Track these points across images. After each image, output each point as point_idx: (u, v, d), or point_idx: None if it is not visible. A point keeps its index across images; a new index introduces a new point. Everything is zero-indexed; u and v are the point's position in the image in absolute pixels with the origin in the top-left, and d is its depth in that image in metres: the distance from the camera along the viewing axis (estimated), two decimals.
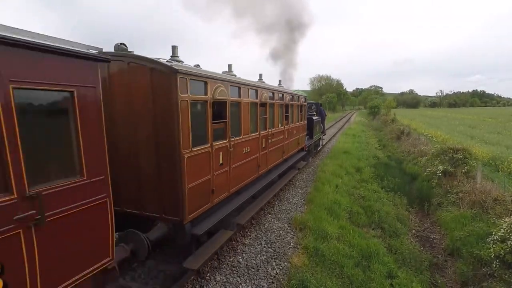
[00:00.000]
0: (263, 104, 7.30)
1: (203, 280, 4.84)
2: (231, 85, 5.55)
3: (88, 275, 2.93)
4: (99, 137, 3.01)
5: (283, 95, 9.02)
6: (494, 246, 6.10)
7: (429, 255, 7.36)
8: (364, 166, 13.89)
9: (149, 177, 4.30)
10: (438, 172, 11.05)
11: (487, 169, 12.75)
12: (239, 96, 5.99)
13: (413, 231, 8.79)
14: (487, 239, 6.46)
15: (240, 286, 4.80)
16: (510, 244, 5.84)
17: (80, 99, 2.77)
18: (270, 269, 5.34)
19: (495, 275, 5.75)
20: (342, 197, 9.11)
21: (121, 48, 4.08)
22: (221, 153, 5.24)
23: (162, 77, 4.01)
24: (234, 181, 5.82)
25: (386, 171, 13.44)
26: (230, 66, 6.50)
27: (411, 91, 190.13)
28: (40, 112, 2.68)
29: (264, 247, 6.04)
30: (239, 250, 5.85)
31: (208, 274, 5.00)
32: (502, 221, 6.65)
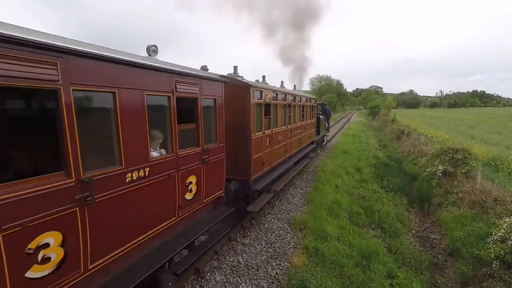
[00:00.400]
0: (289, 105, 9.62)
1: (203, 280, 4.84)
2: (273, 92, 8.00)
3: (216, 197, 5.41)
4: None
5: (300, 98, 11.29)
6: (494, 246, 6.10)
7: (429, 255, 7.35)
8: (364, 166, 13.89)
9: (228, 151, 5.96)
10: (438, 172, 11.05)
11: (487, 169, 12.75)
12: (276, 100, 8.38)
13: (413, 231, 8.79)
14: (487, 239, 6.46)
15: (240, 286, 4.80)
16: (510, 244, 5.84)
17: (219, 102, 5.31)
18: (270, 269, 5.34)
19: (495, 275, 5.75)
20: (342, 197, 9.11)
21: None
22: (268, 138, 7.66)
23: (241, 89, 6.45)
24: (274, 159, 8.30)
25: (386, 171, 13.44)
26: (264, 77, 8.58)
27: (411, 91, 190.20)
28: (196, 109, 4.70)
29: (264, 247, 6.04)
30: (239, 250, 5.85)
31: (208, 274, 5.00)
32: (502, 221, 6.65)
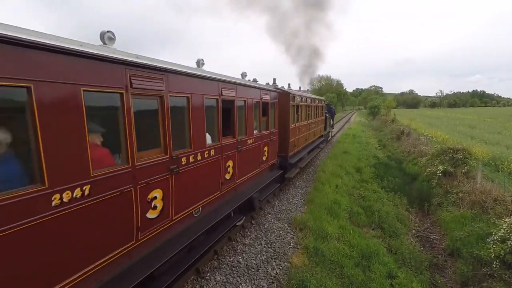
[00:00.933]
0: (308, 106, 12.54)
1: (203, 280, 4.84)
2: (299, 96, 10.91)
3: (273, 163, 8.24)
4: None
5: (315, 100, 14.26)
6: (494, 246, 6.10)
7: (429, 255, 7.35)
8: (364, 166, 13.89)
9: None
10: (438, 172, 11.05)
11: (487, 169, 12.75)
12: (301, 102, 11.17)
13: (413, 231, 8.78)
14: (487, 239, 6.46)
15: (240, 286, 4.80)
16: (510, 244, 5.84)
17: (276, 103, 8.57)
18: (270, 269, 5.34)
19: (495, 275, 5.75)
20: (342, 197, 9.11)
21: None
22: (297, 128, 10.49)
23: (284, 95, 9.22)
24: (300, 144, 11.11)
25: (386, 171, 13.44)
26: (289, 84, 11.77)
27: (411, 91, 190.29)
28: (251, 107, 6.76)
29: (264, 247, 6.04)
30: (239, 250, 5.85)
31: (208, 274, 5.00)
32: (502, 221, 6.65)
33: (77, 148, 2.70)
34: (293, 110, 9.80)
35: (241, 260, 5.49)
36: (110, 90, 3.06)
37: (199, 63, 4.98)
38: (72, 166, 2.66)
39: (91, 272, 2.90)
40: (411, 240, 8.04)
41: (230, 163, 5.72)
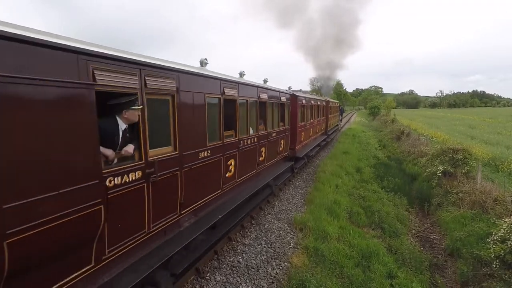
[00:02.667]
0: (319, 107, 15.96)
1: (203, 280, 4.84)
2: (308, 97, 13.67)
3: (285, 155, 9.80)
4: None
5: (328, 102, 19.83)
6: (494, 246, 6.09)
7: (429, 255, 7.36)
8: (364, 166, 13.89)
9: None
10: (438, 172, 11.05)
11: (487, 170, 12.76)
12: (309, 102, 13.29)
13: (413, 231, 8.79)
14: (487, 239, 6.45)
15: (240, 286, 4.80)
16: (510, 244, 5.83)
17: (289, 104, 10.06)
18: (270, 269, 5.34)
19: (495, 275, 5.75)
20: (342, 197, 9.11)
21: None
22: (305, 127, 12.22)
23: (294, 98, 10.51)
24: (305, 139, 12.69)
25: (386, 172, 13.44)
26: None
27: (411, 92, 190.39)
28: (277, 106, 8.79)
29: (264, 247, 6.04)
30: (239, 250, 5.85)
31: (208, 274, 5.00)
32: (502, 221, 6.65)
33: (202, 128, 4.67)
34: (300, 110, 11.36)
35: (241, 260, 5.49)
36: (215, 96, 5.08)
37: (241, 74, 6.59)
38: (199, 138, 4.62)
39: (207, 200, 5.01)
40: (411, 240, 8.04)
41: (262, 149, 7.43)
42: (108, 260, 3.04)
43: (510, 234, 6.02)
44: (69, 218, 2.49)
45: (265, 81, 7.96)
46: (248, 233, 6.59)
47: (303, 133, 11.75)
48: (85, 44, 2.65)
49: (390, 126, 31.80)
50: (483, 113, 64.53)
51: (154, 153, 3.57)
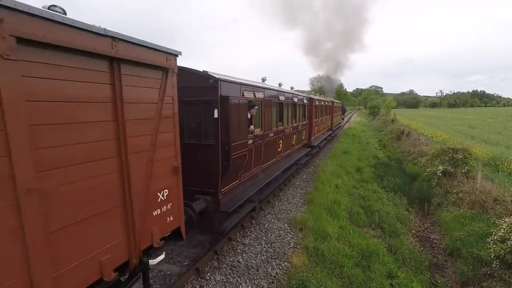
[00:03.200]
0: (326, 106, 18.27)
1: (203, 280, 4.84)
2: (319, 99, 15.47)
3: (305, 142, 12.95)
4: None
5: (333, 103, 22.12)
6: (494, 246, 6.09)
7: (429, 255, 7.35)
8: (364, 166, 13.89)
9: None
10: (438, 172, 11.04)
11: (487, 169, 12.76)
12: (320, 103, 15.37)
13: (413, 231, 8.78)
14: (487, 239, 6.45)
15: (240, 286, 4.80)
16: (510, 244, 5.83)
17: (309, 105, 12.93)
18: (270, 269, 5.34)
19: (495, 275, 5.75)
20: (342, 197, 9.11)
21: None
22: (317, 123, 14.56)
23: (311, 100, 13.28)
24: (317, 132, 15.10)
25: (386, 171, 13.43)
26: (292, 87, 12.50)
27: (411, 91, 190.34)
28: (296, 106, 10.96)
29: (264, 247, 6.04)
30: (239, 250, 5.85)
31: (208, 274, 5.00)
32: (502, 221, 6.64)
33: (271, 120, 7.67)
34: (314, 110, 13.93)
35: (241, 260, 5.49)
36: (276, 101, 8.16)
37: (280, 84, 10.09)
38: (270, 125, 7.60)
39: (270, 164, 7.89)
40: (411, 240, 8.04)
41: (294, 136, 10.44)
42: (242, 180, 6.32)
43: (510, 234, 6.02)
44: (241, 155, 5.60)
45: (292, 88, 11.59)
46: (248, 233, 6.59)
47: (316, 128, 14.64)
48: (238, 79, 6.03)
49: (390, 126, 31.80)
50: (483, 113, 64.49)
51: (256, 131, 6.77)
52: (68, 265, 2.41)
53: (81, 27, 2.40)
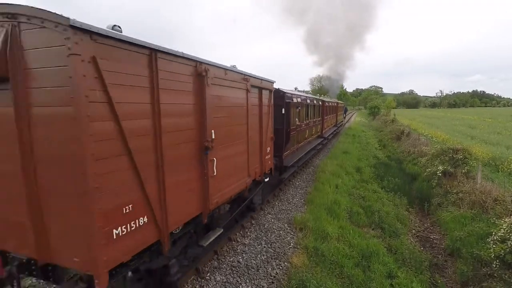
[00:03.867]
0: (332, 107, 21.94)
1: (203, 280, 4.84)
2: (328, 100, 20.33)
3: (319, 134, 16.89)
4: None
5: (337, 103, 26.75)
6: (494, 246, 6.09)
7: (429, 255, 7.36)
8: (364, 166, 13.89)
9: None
10: (438, 172, 11.04)
11: (487, 169, 12.75)
12: (329, 104, 19.99)
13: (413, 231, 8.79)
14: (487, 239, 6.45)
15: (240, 286, 4.80)
16: (510, 244, 5.84)
17: (323, 106, 17.39)
18: (270, 269, 5.34)
19: (495, 275, 5.75)
20: (342, 197, 9.11)
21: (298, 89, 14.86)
22: (326, 119, 18.67)
23: (323, 103, 17.14)
24: (327, 126, 19.71)
25: (386, 171, 13.44)
26: (296, 88, 14.41)
27: (411, 92, 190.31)
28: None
29: (264, 247, 6.04)
30: (239, 250, 5.85)
31: (208, 274, 5.00)
32: (502, 221, 6.65)
33: (304, 116, 11.83)
34: (325, 110, 17.42)
35: (241, 260, 5.50)
36: (306, 103, 11.87)
37: (307, 92, 22.48)
38: (302, 119, 11.62)
39: (302, 144, 11.88)
40: (411, 240, 8.04)
41: (313, 129, 14.05)
42: (291, 151, 9.82)
43: (510, 234, 6.02)
44: (292, 134, 9.78)
45: (295, 88, 13.57)
46: (248, 233, 6.59)
47: (326, 123, 18.29)
48: (291, 91, 10.12)
49: (390, 126, 31.81)
50: (483, 113, 64.48)
51: (298, 123, 10.22)
52: (232, 183, 5.36)
53: (238, 71, 5.40)
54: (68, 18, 2.38)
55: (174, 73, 3.58)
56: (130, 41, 2.90)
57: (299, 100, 10.38)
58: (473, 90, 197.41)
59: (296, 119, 10.01)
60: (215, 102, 4.50)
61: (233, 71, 5.18)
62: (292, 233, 6.84)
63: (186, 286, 4.68)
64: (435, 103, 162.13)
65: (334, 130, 24.08)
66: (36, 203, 2.83)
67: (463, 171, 10.67)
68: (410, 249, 7.08)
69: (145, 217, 3.22)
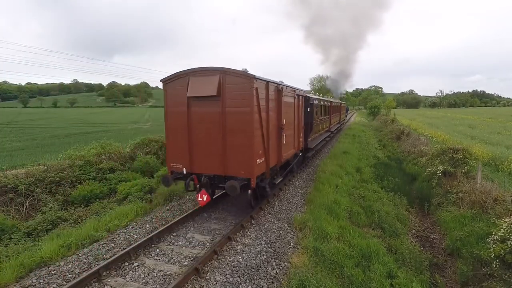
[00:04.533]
0: (336, 106, 25.69)
1: (203, 280, 4.84)
2: (338, 102, 29.74)
3: (336, 124, 26.56)
4: (335, 111, 25.68)
5: (341, 104, 31.47)
6: (494, 246, 6.09)
7: (429, 255, 7.35)
8: (364, 166, 13.89)
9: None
10: (438, 172, 11.04)
11: (487, 169, 12.74)
12: (335, 104, 24.43)
13: (413, 231, 8.79)
14: (487, 239, 6.45)
15: (240, 286, 4.80)
16: (510, 244, 5.84)
17: (340, 106, 30.48)
18: (270, 269, 5.34)
19: (495, 275, 5.75)
20: (342, 197, 9.11)
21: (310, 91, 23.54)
22: (333, 117, 22.72)
23: (331, 103, 20.63)
24: (333, 122, 22.58)
25: (386, 171, 13.44)
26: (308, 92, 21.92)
27: (411, 91, 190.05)
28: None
29: (264, 247, 6.04)
30: (239, 250, 5.85)
31: (208, 274, 5.00)
32: (502, 221, 6.64)
33: (327, 113, 18.71)
34: (332, 109, 20.60)
35: (241, 260, 5.49)
36: (319, 104, 14.90)
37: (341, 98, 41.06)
38: (325, 115, 17.90)
39: (325, 130, 18.04)
40: (411, 240, 8.04)
41: (324, 124, 17.11)
42: (309, 140, 12.13)
43: (510, 234, 6.02)
44: (314, 125, 13.33)
45: (299, 91, 15.81)
46: (248, 233, 6.59)
47: (332, 120, 21.68)
48: (314, 95, 16.45)
49: (390, 126, 31.81)
50: (483, 113, 64.44)
51: (316, 118, 13.52)
52: (289, 150, 8.99)
53: (290, 86, 8.97)
54: (254, 75, 6.18)
55: (271, 91, 7.21)
56: (265, 79, 6.78)
57: (316, 102, 13.51)
58: (473, 90, 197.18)
59: (315, 116, 13.28)
60: (284, 104, 8.01)
61: (288, 86, 8.62)
62: (292, 233, 6.84)
63: (186, 286, 4.68)
64: (435, 103, 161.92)
65: (338, 126, 28.20)
66: (224, 149, 6.53)
67: (463, 171, 10.67)
68: (410, 249, 7.08)
69: (263, 158, 6.87)
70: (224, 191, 7.72)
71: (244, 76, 6.21)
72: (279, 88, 7.69)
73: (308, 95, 12.16)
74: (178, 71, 6.85)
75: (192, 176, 6.89)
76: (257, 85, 6.26)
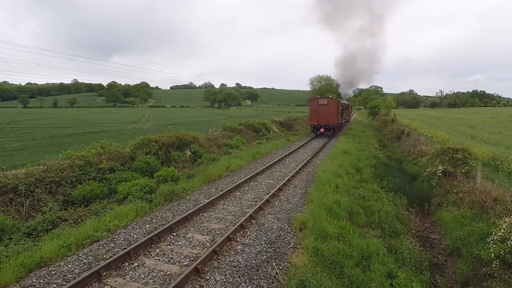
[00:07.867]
0: (346, 106, 44.70)
1: (203, 280, 4.84)
2: (347, 103, 50.25)
3: (343, 119, 42.49)
4: (345, 110, 43.46)
5: (348, 104, 53.83)
6: (494, 246, 6.10)
7: (429, 255, 7.35)
8: (364, 166, 13.88)
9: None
10: (438, 172, 11.05)
11: (487, 169, 12.73)
12: (347, 105, 46.86)
13: (413, 231, 8.79)
14: (487, 239, 6.46)
15: (240, 286, 4.80)
16: (510, 244, 5.84)
17: (348, 107, 54.13)
18: (270, 269, 5.34)
19: (495, 275, 5.75)
20: (342, 197, 9.10)
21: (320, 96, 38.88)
22: (341, 115, 34.57)
23: (345, 103, 42.71)
24: (343, 117, 39.30)
25: (386, 171, 13.43)
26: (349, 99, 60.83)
27: (411, 91, 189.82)
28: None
29: (264, 247, 6.04)
30: (239, 250, 5.85)
31: (208, 274, 5.00)
32: (502, 221, 6.65)
33: (340, 112, 32.30)
34: (344, 107, 34.36)
35: (241, 260, 5.50)
36: (344, 104, 37.08)
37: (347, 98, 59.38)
38: (338, 114, 30.38)
39: (332, 123, 29.94)
40: (411, 240, 8.03)
41: (345, 113, 39.01)
42: (339, 122, 30.08)
43: (510, 234, 6.02)
44: (342, 116, 34.67)
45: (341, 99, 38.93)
46: (248, 233, 6.59)
47: (344, 115, 33.29)
48: (342, 100, 41.28)
49: (390, 126, 31.83)
50: (483, 113, 64.34)
51: (341, 112, 32.05)
52: (339, 121, 30.63)
53: (336, 99, 29.97)
54: (339, 100, 32.85)
55: (337, 103, 27.97)
56: (337, 99, 30.18)
57: (342, 105, 24.51)
58: (473, 90, 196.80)
59: (342, 110, 26.31)
60: (339, 107, 27.74)
61: (335, 100, 27.69)
62: (292, 233, 6.85)
63: (186, 286, 4.69)
64: (435, 103, 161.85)
65: (346, 120, 41.90)
66: (328, 117, 26.82)
67: (463, 171, 10.67)
68: (410, 249, 7.07)
69: (336, 120, 27.56)
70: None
71: (334, 99, 27.88)
72: (338, 102, 27.25)
73: (341, 101, 20.44)
74: (313, 97, 27.19)
75: (317, 125, 26.17)
76: (336, 102, 27.22)
